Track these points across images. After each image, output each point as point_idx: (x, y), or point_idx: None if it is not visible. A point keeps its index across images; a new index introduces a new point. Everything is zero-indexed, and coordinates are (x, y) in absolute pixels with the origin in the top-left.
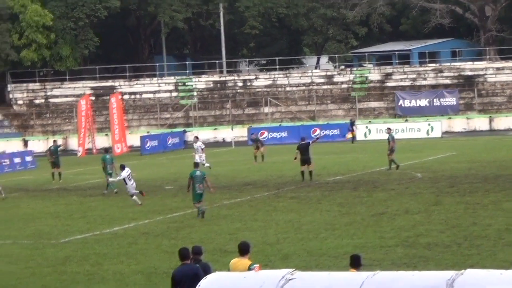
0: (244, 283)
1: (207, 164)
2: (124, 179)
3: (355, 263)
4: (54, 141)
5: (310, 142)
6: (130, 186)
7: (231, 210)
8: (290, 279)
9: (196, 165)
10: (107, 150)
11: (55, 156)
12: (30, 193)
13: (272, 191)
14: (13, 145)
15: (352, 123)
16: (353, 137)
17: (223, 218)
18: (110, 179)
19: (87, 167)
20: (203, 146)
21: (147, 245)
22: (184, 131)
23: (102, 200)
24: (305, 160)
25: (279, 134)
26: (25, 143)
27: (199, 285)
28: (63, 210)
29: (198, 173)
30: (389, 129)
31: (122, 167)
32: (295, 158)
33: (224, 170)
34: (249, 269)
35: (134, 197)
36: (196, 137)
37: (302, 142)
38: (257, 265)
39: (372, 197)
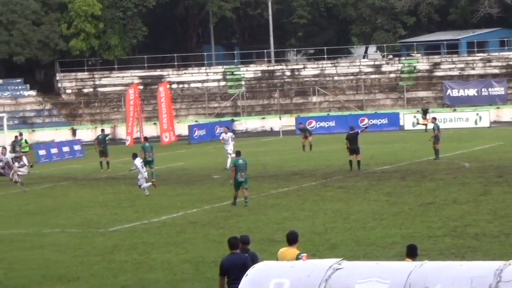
0: (291, 272)
1: (233, 155)
2: (138, 168)
3: (412, 253)
4: (102, 130)
5: (359, 131)
6: (143, 176)
7: (278, 200)
8: (337, 269)
9: (238, 153)
10: (146, 138)
11: (103, 145)
12: (78, 182)
13: (319, 180)
14: (62, 134)
15: (426, 111)
16: (426, 126)
17: (270, 208)
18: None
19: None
20: (233, 136)
21: (195, 234)
22: (232, 120)
23: (150, 189)
24: (354, 149)
25: (327, 124)
26: (74, 132)
27: (247, 274)
28: (111, 199)
29: (241, 161)
30: (434, 118)
31: (134, 156)
32: (348, 148)
33: (271, 160)
34: (297, 258)
35: (144, 185)
36: (227, 128)
37: (351, 132)
38: (305, 254)
39: (420, 187)
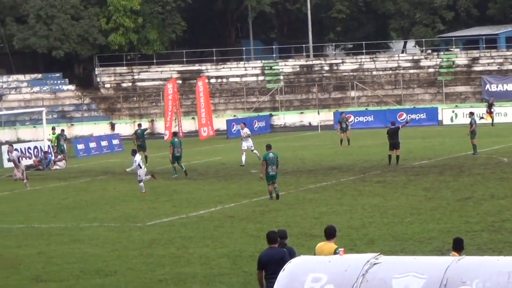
0: (329, 267)
1: (255, 151)
2: (139, 164)
3: (458, 246)
4: (139, 124)
5: (400, 126)
6: (142, 172)
7: (316, 194)
8: (375, 263)
9: (268, 147)
10: (175, 133)
11: (141, 139)
12: (116, 176)
13: (358, 175)
14: (100, 128)
15: (491, 105)
16: (492, 119)
17: (308, 202)
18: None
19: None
20: (249, 133)
21: (233, 228)
22: (270, 115)
23: (188, 184)
24: (394, 144)
25: (365, 119)
26: (112, 126)
27: (284, 269)
28: (149, 193)
29: (271, 155)
30: (471, 113)
31: (134, 152)
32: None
33: (310, 154)
34: (335, 253)
35: (142, 184)
36: (243, 124)
37: (391, 127)
38: (342, 249)
39: (458, 182)
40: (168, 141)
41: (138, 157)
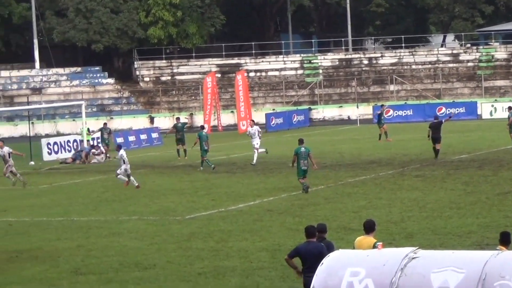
0: (367, 261)
1: (261, 150)
2: (123, 159)
3: (505, 240)
4: (177, 118)
5: (443, 120)
6: (124, 168)
7: (355, 188)
8: (413, 258)
9: (300, 141)
10: (202, 127)
11: (181, 133)
12: (156, 170)
13: (397, 169)
14: (140, 122)
15: None
16: None
17: (347, 196)
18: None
19: (212, 144)
20: (259, 129)
21: (272, 222)
22: (309, 109)
23: (227, 177)
24: (436, 138)
25: (404, 113)
26: (151, 120)
27: (322, 263)
28: (188, 186)
29: (302, 149)
30: (510, 107)
31: (119, 147)
32: (428, 136)
33: (349, 148)
34: (374, 247)
35: (120, 176)
36: (252, 121)
37: (435, 121)
38: (381, 243)
39: (497, 176)
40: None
41: (122, 152)
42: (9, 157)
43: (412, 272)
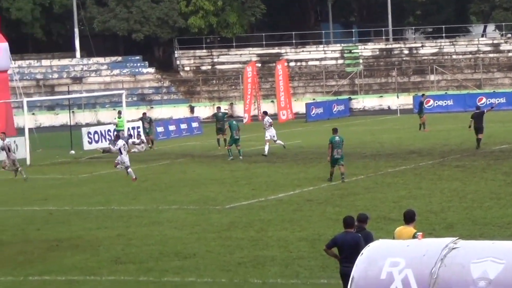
0: (407, 251)
1: (279, 142)
2: (120, 149)
3: None
4: (218, 107)
5: (485, 110)
6: (125, 158)
7: (395, 178)
8: (453, 248)
9: (335, 130)
10: (232, 116)
11: (221, 122)
12: (196, 159)
13: (437, 159)
14: (180, 111)
15: None
16: None
17: (387, 186)
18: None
19: (252, 134)
20: (270, 121)
21: (312, 212)
22: (350, 99)
23: (267, 167)
24: (478, 128)
25: (445, 103)
26: (192, 109)
27: (362, 253)
28: (228, 176)
29: (337, 138)
30: None
31: (117, 138)
32: (470, 127)
33: (389, 138)
34: (414, 237)
35: (119, 166)
36: (265, 112)
37: (476, 111)
38: (421, 233)
39: None
40: (247, 124)
41: (120, 143)
42: (9, 150)
43: (452, 262)
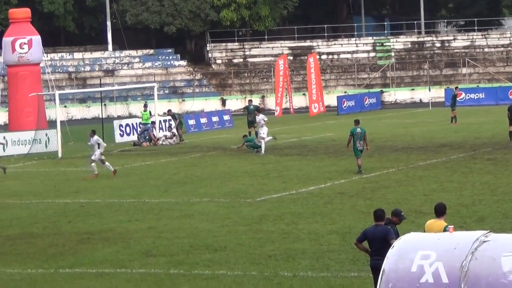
0: (438, 244)
1: (268, 138)
2: (98, 144)
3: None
4: (250, 100)
5: None
6: (98, 153)
7: (426, 171)
8: (484, 241)
9: (356, 122)
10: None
11: (252, 115)
12: (227, 152)
13: (468, 152)
14: (212, 104)
15: None
16: None
17: (418, 179)
18: (93, 159)
19: (284, 127)
20: (265, 119)
21: (342, 205)
22: (381, 92)
23: (298, 160)
24: (511, 120)
25: (476, 96)
26: (223, 102)
27: (393, 246)
28: (259, 169)
29: (358, 130)
30: None
31: (93, 133)
32: (509, 118)
33: (420, 131)
34: (444, 230)
35: (93, 164)
36: (257, 110)
37: None
38: (451, 226)
39: None
40: (279, 117)
41: (95, 138)
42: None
43: (483, 255)
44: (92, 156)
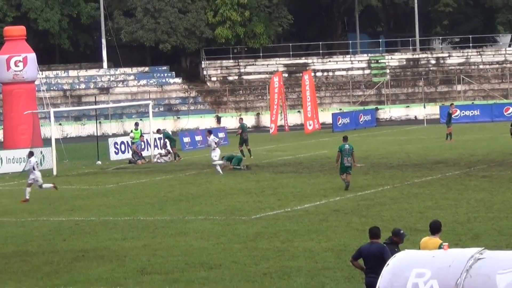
0: (433, 262)
1: (218, 162)
2: (33, 167)
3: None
4: (241, 118)
5: None
6: (37, 173)
7: (422, 188)
8: (479, 258)
9: (345, 139)
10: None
11: (246, 133)
12: (222, 169)
13: (463, 169)
14: (207, 121)
15: None
16: None
17: (413, 196)
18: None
19: (279, 144)
20: (216, 140)
21: (338, 222)
22: (376, 109)
23: (293, 177)
24: None
25: (471, 113)
26: (218, 119)
27: (388, 264)
28: (254, 186)
29: (346, 146)
30: None
31: (30, 154)
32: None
33: (415, 148)
34: (439, 248)
35: (28, 189)
36: (209, 132)
37: None
38: (446, 244)
39: None
40: (274, 134)
41: (33, 160)
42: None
43: (478, 273)
44: (28, 180)
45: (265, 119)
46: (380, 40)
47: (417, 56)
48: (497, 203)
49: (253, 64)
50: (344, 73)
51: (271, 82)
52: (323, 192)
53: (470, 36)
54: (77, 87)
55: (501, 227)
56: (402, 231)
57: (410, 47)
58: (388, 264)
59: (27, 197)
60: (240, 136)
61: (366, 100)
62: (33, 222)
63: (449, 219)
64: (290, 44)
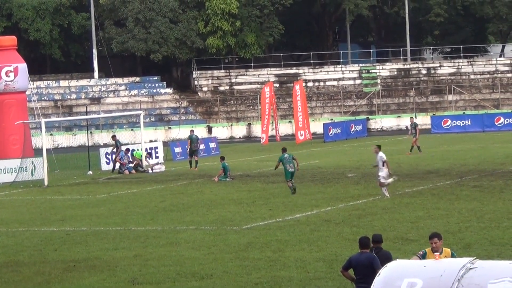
0: (424, 272)
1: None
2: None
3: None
4: (192, 130)
5: None
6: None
7: (413, 198)
8: (470, 268)
9: (284, 150)
10: (192, 131)
11: (195, 144)
12: (213, 179)
13: (454, 179)
14: (198, 131)
15: None
16: None
17: (405, 206)
18: None
19: (270, 154)
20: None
21: (329, 232)
22: (367, 119)
23: (285, 187)
24: None
25: (463, 122)
26: (209, 129)
27: (379, 273)
28: (246, 196)
29: (286, 155)
30: None
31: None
32: None
33: (406, 158)
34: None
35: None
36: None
37: None
38: (438, 253)
39: None
40: (265, 144)
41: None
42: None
43: (469, 282)
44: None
45: (256, 129)
46: (371, 50)
47: (408, 66)
48: (488, 213)
49: (244, 74)
50: (335, 83)
51: (262, 92)
52: (314, 202)
53: (461, 46)
54: (68, 97)
55: (492, 236)
56: (379, 234)
57: (401, 57)
58: (379, 274)
59: None
60: (190, 147)
61: (357, 110)
62: (24, 232)
63: (440, 229)
64: (281, 54)
